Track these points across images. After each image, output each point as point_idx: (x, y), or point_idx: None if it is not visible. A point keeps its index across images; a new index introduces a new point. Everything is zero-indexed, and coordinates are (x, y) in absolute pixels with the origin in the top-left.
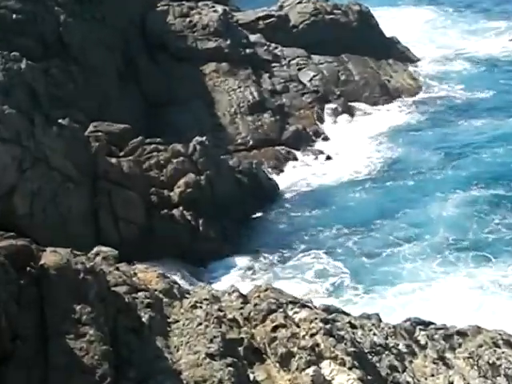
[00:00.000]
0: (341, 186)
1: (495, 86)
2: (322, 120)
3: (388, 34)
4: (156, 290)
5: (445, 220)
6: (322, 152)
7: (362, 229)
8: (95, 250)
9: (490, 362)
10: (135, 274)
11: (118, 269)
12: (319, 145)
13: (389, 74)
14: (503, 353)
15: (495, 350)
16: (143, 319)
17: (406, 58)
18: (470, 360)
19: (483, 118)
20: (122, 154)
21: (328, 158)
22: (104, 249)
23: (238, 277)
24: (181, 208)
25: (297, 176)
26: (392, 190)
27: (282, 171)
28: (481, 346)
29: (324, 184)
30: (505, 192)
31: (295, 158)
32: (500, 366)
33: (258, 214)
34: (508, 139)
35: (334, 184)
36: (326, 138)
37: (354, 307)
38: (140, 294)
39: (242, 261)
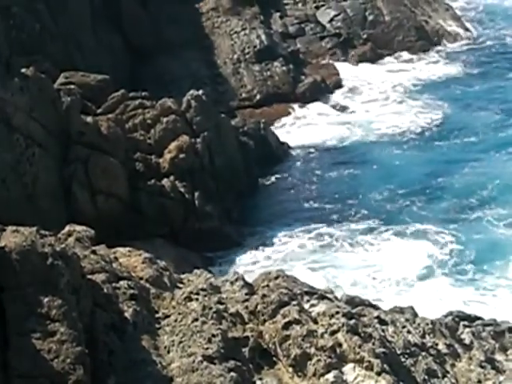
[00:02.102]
0: (377, 144)
1: None
2: (344, 69)
3: None
4: (142, 279)
5: None
6: (345, 107)
7: (421, 191)
8: (67, 229)
9: None
10: (116, 258)
11: (94, 252)
12: (342, 99)
13: (427, 14)
14: None
15: None
16: (126, 314)
17: None
18: None
19: None
20: (99, 111)
21: (353, 113)
22: (78, 228)
23: (245, 262)
24: (172, 178)
25: (316, 136)
26: (445, 148)
27: (296, 131)
28: None
29: (353, 143)
30: None
31: (313, 116)
32: None
33: (269, 183)
34: None
35: (366, 142)
36: (350, 91)
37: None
38: (122, 283)
39: (250, 242)
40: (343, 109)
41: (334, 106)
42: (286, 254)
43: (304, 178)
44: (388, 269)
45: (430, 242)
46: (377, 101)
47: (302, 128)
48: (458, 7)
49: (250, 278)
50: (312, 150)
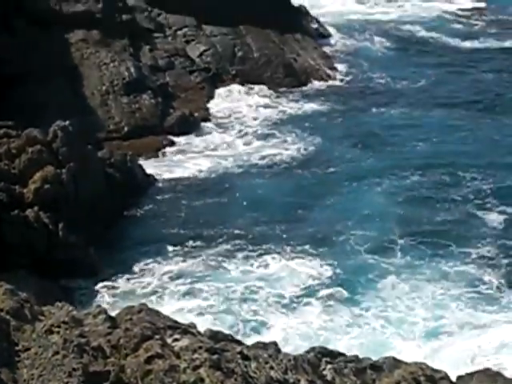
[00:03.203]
0: (243, 175)
1: (417, 68)
2: (213, 104)
3: (295, 2)
4: (2, 310)
5: (381, 208)
6: (213, 140)
7: (285, 218)
8: None
9: None
10: None
11: None
12: (210, 133)
13: (295, 52)
14: None
15: None
16: None
17: (316, 32)
18: None
19: (402, 106)
20: None
21: (220, 146)
22: None
23: (110, 293)
24: (36, 208)
25: (183, 168)
26: (307, 179)
27: (163, 164)
28: (398, 382)
29: (220, 175)
30: (431, 179)
31: (180, 149)
32: None
33: (134, 214)
34: (427, 130)
35: (233, 174)
36: (217, 125)
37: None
38: None
39: (115, 271)
40: (211, 142)
41: (201, 140)
42: (158, 281)
43: (170, 207)
44: (265, 290)
45: (301, 265)
46: (244, 134)
47: (169, 161)
48: (329, 48)
49: (115, 310)
50: (178, 182)
